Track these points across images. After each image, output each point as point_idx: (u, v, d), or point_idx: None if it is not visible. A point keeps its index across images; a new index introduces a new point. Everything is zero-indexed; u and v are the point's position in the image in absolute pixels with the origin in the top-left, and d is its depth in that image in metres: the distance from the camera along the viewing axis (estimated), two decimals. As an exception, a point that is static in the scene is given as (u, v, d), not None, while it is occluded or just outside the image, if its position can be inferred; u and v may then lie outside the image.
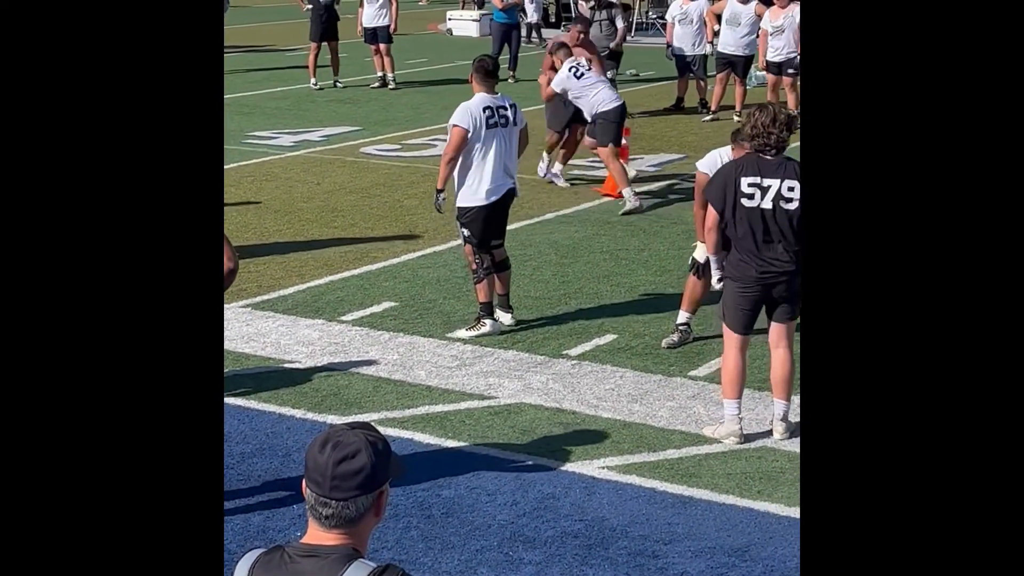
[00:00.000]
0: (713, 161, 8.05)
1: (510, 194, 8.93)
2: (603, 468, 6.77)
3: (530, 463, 6.84)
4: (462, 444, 7.07)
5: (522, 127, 8.98)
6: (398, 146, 15.65)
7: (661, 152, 15.36)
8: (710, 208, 7.13)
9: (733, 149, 7.80)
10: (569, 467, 6.78)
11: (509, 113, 8.80)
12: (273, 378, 8.01)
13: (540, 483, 6.58)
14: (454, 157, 8.69)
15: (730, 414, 7.10)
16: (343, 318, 9.13)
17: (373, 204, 12.58)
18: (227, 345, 8.48)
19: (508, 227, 9.23)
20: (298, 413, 7.46)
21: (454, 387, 7.89)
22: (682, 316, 8.64)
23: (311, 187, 13.33)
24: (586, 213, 12.31)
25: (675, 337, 8.59)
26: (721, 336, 7.31)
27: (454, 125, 8.71)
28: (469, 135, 8.63)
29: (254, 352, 8.46)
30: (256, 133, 16.36)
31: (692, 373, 8.13)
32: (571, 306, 9.45)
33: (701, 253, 8.32)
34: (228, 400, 7.58)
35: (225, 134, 15.74)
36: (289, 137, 16.13)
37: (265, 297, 9.58)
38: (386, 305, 9.41)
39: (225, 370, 8.01)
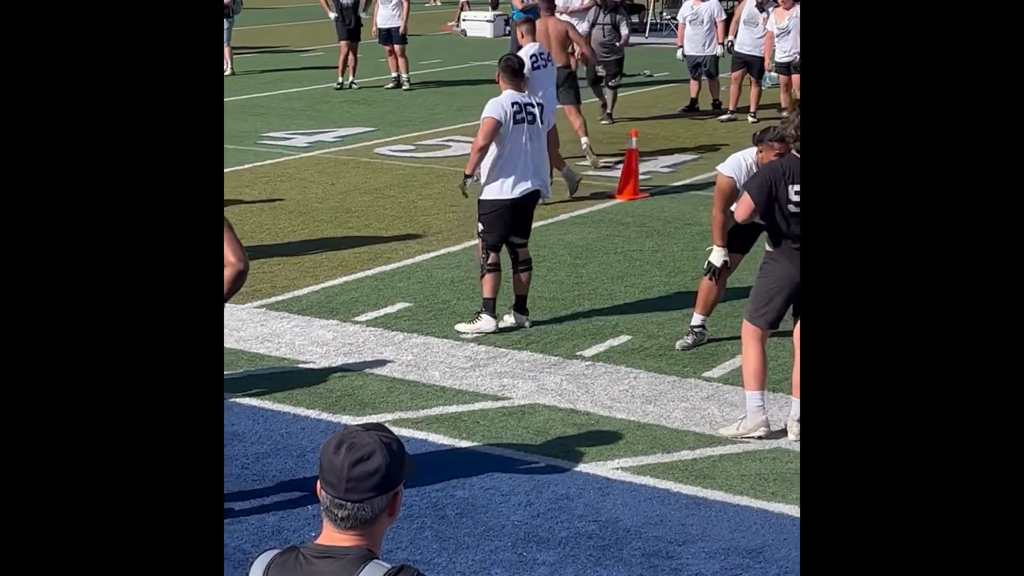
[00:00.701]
0: (736, 164, 7.96)
1: (536, 194, 8.99)
2: (617, 469, 6.77)
3: (544, 464, 6.84)
4: (476, 445, 7.08)
5: (550, 128, 9.04)
6: (412, 147, 15.66)
7: (675, 153, 15.33)
8: (746, 197, 7.07)
9: (760, 151, 7.68)
10: (583, 468, 6.78)
11: (536, 111, 8.88)
12: (288, 378, 8.01)
13: (554, 484, 6.58)
14: (485, 146, 8.75)
15: (755, 406, 7.06)
16: (357, 319, 9.13)
17: (387, 205, 12.58)
18: (242, 345, 8.52)
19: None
20: (312, 413, 7.47)
21: (468, 388, 7.89)
22: (696, 318, 8.62)
23: (325, 187, 13.33)
24: (600, 214, 12.30)
25: (689, 339, 8.56)
26: (736, 333, 7.30)
27: (485, 116, 8.81)
28: (501, 127, 8.69)
29: (268, 352, 8.46)
30: (271, 134, 16.37)
31: (706, 374, 8.11)
32: (585, 307, 9.44)
33: (717, 257, 8.28)
34: (242, 400, 7.61)
35: (240, 135, 15.89)
36: (303, 138, 16.14)
37: (279, 298, 9.58)
38: (400, 306, 9.42)
39: (240, 370, 8.07)
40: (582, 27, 17.85)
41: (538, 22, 14.49)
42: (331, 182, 13.60)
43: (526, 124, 8.81)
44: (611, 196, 12.89)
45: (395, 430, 6.62)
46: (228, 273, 5.78)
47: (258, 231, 11.33)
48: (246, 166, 14.29)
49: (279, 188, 13.28)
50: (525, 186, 8.83)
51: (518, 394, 7.79)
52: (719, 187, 8.09)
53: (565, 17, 16.42)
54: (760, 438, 7.06)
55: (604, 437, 7.15)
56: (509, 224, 8.86)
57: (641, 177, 13.30)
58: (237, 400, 7.60)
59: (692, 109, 18.25)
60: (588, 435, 7.19)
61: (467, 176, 9.01)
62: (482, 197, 8.88)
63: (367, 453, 2.89)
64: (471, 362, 8.32)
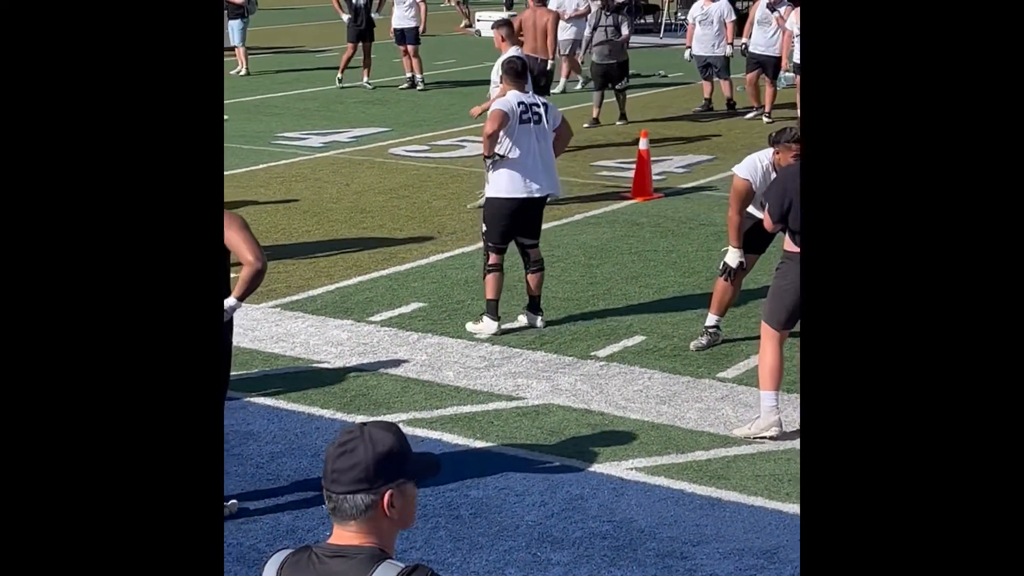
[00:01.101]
0: (752, 165, 7.97)
1: (544, 195, 8.99)
2: (631, 469, 6.76)
3: (558, 464, 6.84)
4: (490, 445, 7.08)
5: (558, 124, 9.02)
6: (427, 147, 15.68)
7: (689, 154, 15.32)
8: (767, 216, 7.14)
9: (776, 152, 7.68)
10: (597, 468, 6.78)
11: (541, 111, 8.89)
12: (302, 378, 8.03)
13: (568, 484, 6.59)
14: (494, 132, 8.73)
15: (769, 406, 7.05)
16: (372, 318, 9.15)
17: (402, 205, 12.60)
18: (256, 345, 8.56)
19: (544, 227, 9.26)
20: (327, 413, 7.48)
21: (482, 388, 7.89)
22: (711, 319, 8.61)
23: (340, 188, 13.36)
24: (614, 215, 12.30)
25: (704, 339, 8.55)
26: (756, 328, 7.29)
27: (493, 109, 8.88)
28: (509, 120, 8.71)
29: (283, 352, 8.48)
30: (285, 134, 16.41)
31: (721, 375, 8.10)
32: (599, 307, 9.44)
33: (733, 258, 8.31)
34: (257, 400, 7.64)
35: (254, 135, 15.94)
36: (318, 138, 16.17)
37: (294, 297, 9.61)
38: (415, 306, 9.43)
39: (255, 370, 8.10)
40: (577, 32, 18.01)
41: (527, 12, 14.69)
42: (345, 182, 13.63)
43: (532, 124, 8.83)
44: (625, 197, 12.87)
45: (410, 430, 6.84)
46: (246, 272, 5.88)
47: (273, 231, 11.36)
48: (260, 166, 14.34)
49: (294, 188, 13.30)
50: (533, 186, 8.84)
51: (532, 394, 7.79)
52: (735, 189, 8.11)
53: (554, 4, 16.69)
54: (772, 438, 7.05)
55: (618, 437, 7.15)
56: (515, 224, 8.87)
57: (655, 177, 13.29)
58: (252, 399, 7.62)
59: (707, 109, 18.23)
60: (602, 435, 7.19)
61: (487, 157, 8.93)
62: (488, 195, 8.90)
63: (351, 447, 2.91)
64: (485, 362, 8.32)
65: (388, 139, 16.19)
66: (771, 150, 7.81)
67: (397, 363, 8.27)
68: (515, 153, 8.76)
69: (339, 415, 7.44)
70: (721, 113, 18.05)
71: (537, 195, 8.88)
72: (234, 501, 6.22)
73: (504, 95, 9.06)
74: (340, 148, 15.57)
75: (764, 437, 7.05)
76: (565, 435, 7.19)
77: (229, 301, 5.91)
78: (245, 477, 6.60)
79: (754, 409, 7.33)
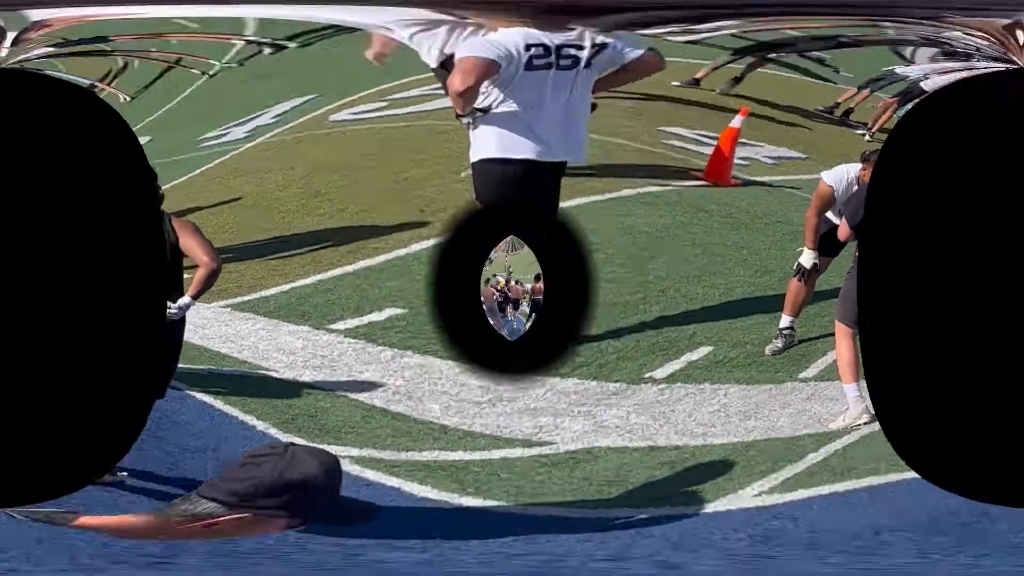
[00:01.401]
0: (840, 175, 9.03)
1: (561, 164, 8.38)
2: (757, 496, 6.67)
3: (644, 516, 6.58)
4: (493, 504, 6.79)
5: (629, 61, 8.15)
6: (383, 103, 15.19)
7: (783, 146, 15.15)
8: (844, 223, 8.32)
9: (863, 169, 8.75)
10: (712, 508, 6.57)
11: (583, 53, 8.28)
12: (245, 383, 7.84)
13: (684, 528, 6.43)
14: (467, 89, 7.95)
15: (854, 396, 7.67)
16: (333, 326, 8.77)
17: (367, 179, 12.16)
18: (205, 343, 8.44)
19: (567, 205, 8.83)
20: (260, 425, 7.27)
21: (483, 429, 7.48)
22: (785, 320, 8.77)
23: (284, 174, 13.07)
24: (676, 195, 11.86)
25: (779, 342, 8.62)
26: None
27: (470, 56, 8.02)
28: (500, 70, 7.99)
29: (231, 353, 8.27)
30: (206, 135, 16.30)
31: (802, 375, 8.04)
32: (652, 313, 9.03)
33: (807, 259, 8.88)
34: (195, 394, 7.62)
35: (178, 147, 15.76)
36: (239, 128, 15.97)
37: (245, 298, 9.31)
38: (390, 312, 8.98)
39: (200, 366, 8.02)
40: None
41: None
42: (288, 166, 13.26)
43: (553, 70, 8.14)
44: (695, 175, 12.39)
45: (356, 470, 6.66)
46: (201, 272, 7.24)
47: (221, 231, 11.14)
48: (196, 171, 14.18)
49: (233, 185, 13.10)
50: (540, 148, 8.22)
51: (565, 437, 7.39)
52: (818, 191, 9.13)
53: None
54: (866, 423, 7.43)
55: (711, 470, 6.94)
56: (522, 198, 8.40)
57: (738, 162, 12.98)
58: (191, 393, 7.55)
59: (829, 112, 18.25)
60: (687, 472, 6.93)
61: (460, 116, 8.25)
62: (474, 159, 8.32)
63: (259, 461, 3.13)
64: (489, 393, 7.80)
65: (322, 106, 15.79)
66: (860, 165, 8.82)
67: (361, 385, 7.91)
68: (510, 106, 8.11)
69: (273, 431, 7.18)
70: (836, 120, 18.18)
71: (546, 159, 8.25)
72: (124, 473, 6.62)
73: (496, 31, 8.29)
74: (267, 132, 15.29)
75: (859, 424, 7.55)
76: (631, 483, 6.87)
77: (183, 300, 7.20)
78: (149, 458, 6.64)
79: (841, 402, 7.52)
